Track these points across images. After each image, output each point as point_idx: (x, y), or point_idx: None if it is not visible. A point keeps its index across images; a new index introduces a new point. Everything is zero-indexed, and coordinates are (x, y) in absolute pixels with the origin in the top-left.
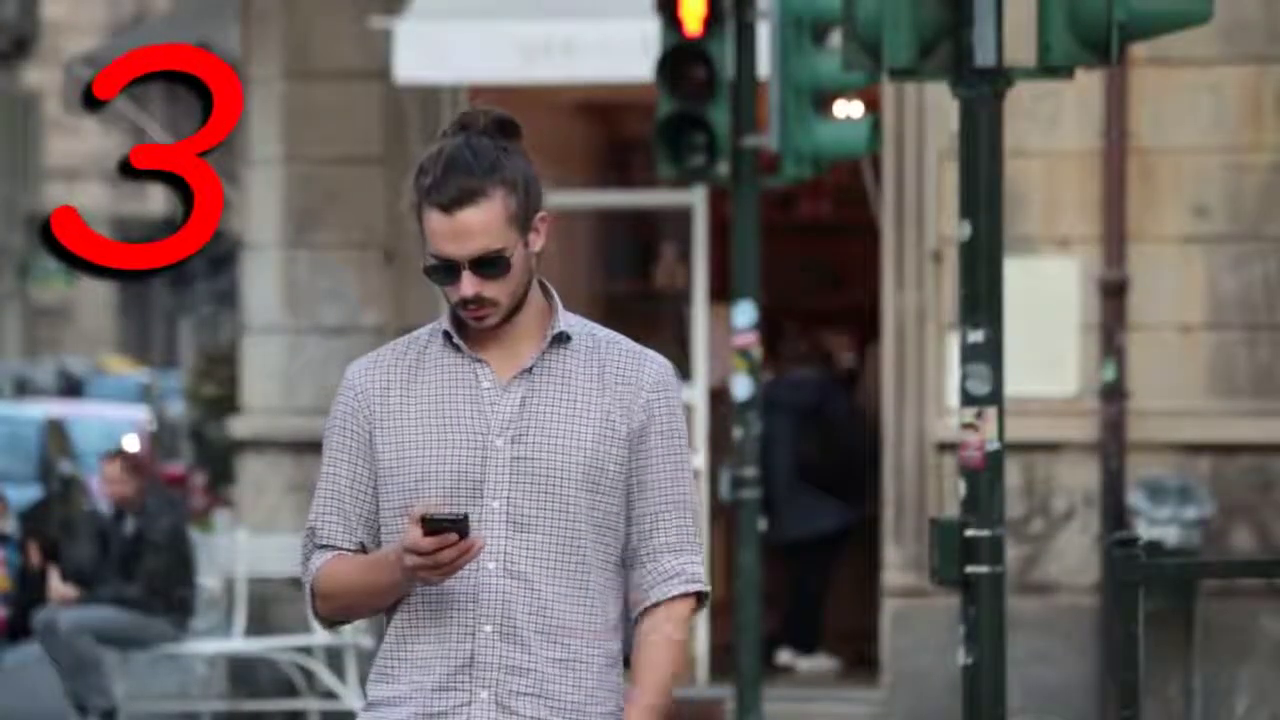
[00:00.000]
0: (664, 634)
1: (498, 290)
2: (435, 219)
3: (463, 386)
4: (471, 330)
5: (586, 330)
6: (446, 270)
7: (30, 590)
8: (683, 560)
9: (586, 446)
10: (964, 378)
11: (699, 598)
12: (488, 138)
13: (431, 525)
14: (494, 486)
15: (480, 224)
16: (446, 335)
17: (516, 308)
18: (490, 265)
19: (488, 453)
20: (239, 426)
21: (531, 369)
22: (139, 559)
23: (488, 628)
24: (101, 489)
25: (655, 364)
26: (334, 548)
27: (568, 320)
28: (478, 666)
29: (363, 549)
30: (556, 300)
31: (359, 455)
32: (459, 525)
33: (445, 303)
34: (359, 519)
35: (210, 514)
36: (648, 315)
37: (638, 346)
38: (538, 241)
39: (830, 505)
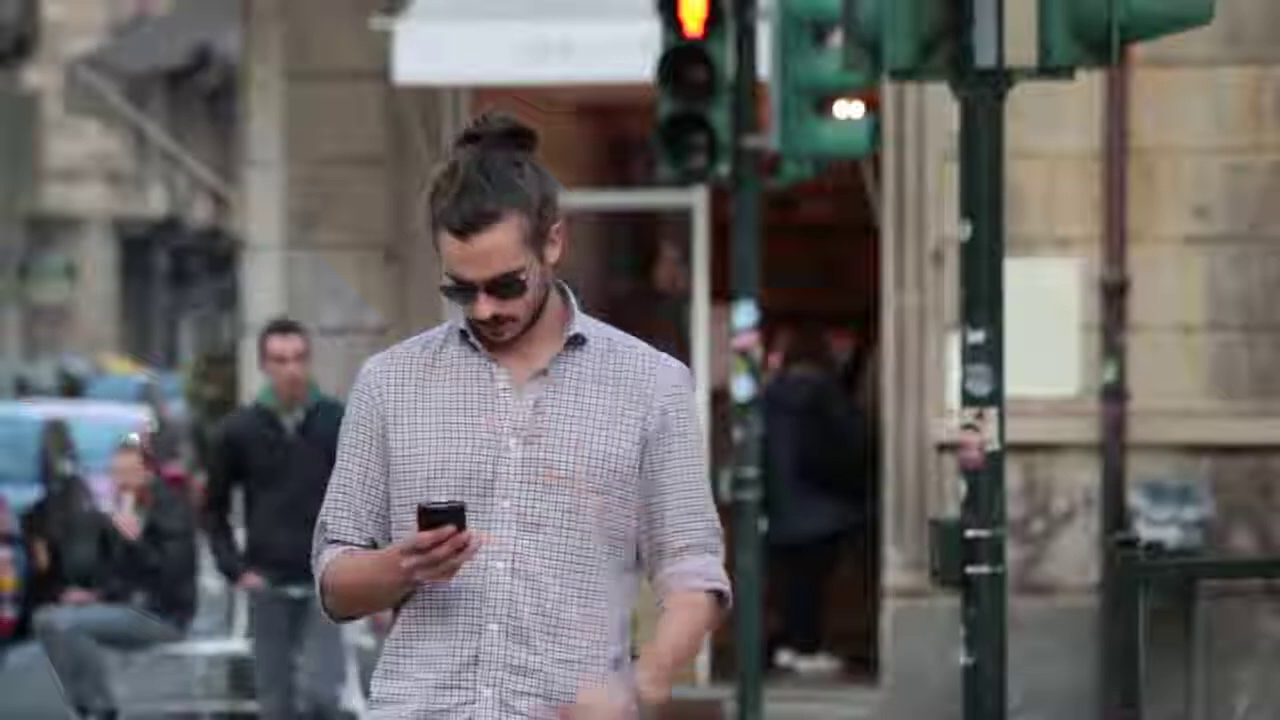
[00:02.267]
0: (685, 607)
1: (514, 308)
2: (450, 242)
3: (477, 386)
4: (485, 336)
5: (603, 334)
6: (463, 291)
7: (36, 590)
8: (704, 563)
9: (599, 449)
10: (964, 378)
11: (721, 599)
12: (501, 150)
13: (428, 517)
14: (505, 486)
15: (494, 248)
16: (463, 334)
17: (534, 318)
18: (506, 287)
19: (500, 453)
20: None
21: (547, 371)
22: (148, 552)
23: (494, 627)
24: (112, 481)
25: (671, 368)
26: (344, 543)
27: (584, 323)
28: (483, 665)
29: (373, 545)
30: (573, 303)
31: (371, 452)
32: (455, 515)
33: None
34: (370, 515)
35: None
36: (648, 316)
37: (654, 350)
38: (554, 252)
39: (830, 506)
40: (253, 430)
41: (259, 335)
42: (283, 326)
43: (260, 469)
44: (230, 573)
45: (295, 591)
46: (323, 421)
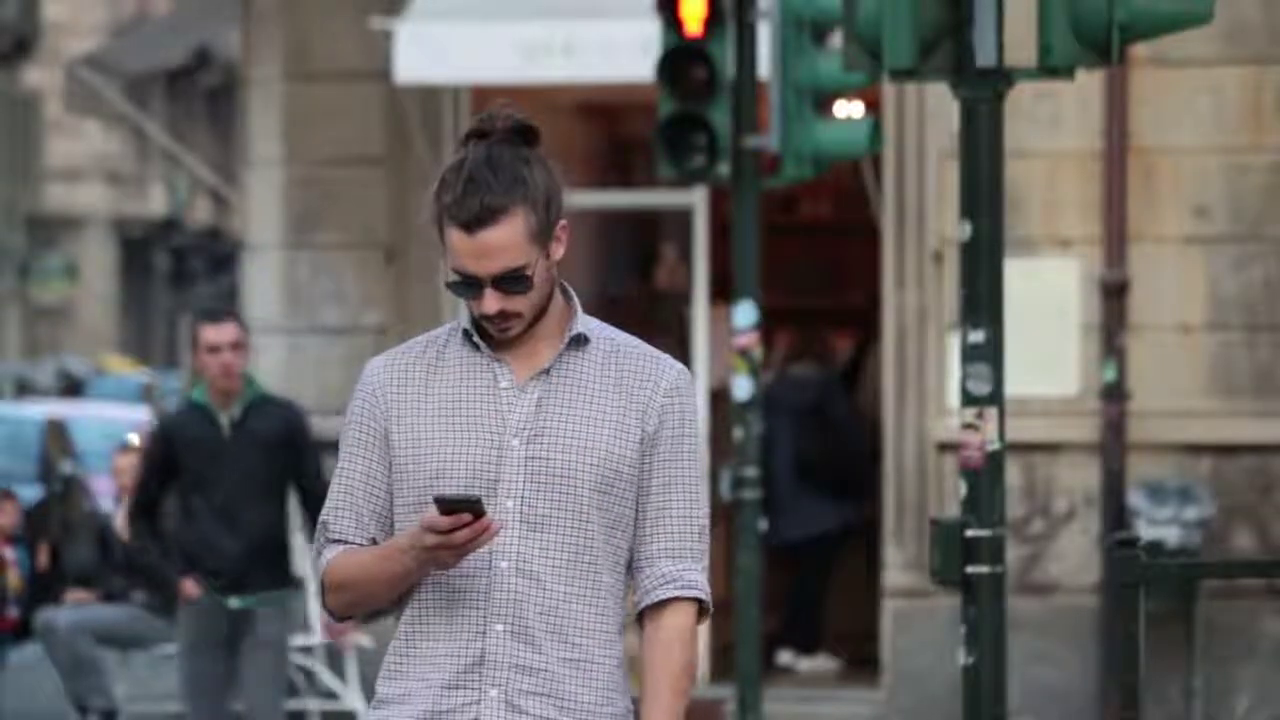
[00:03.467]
0: (662, 643)
1: (520, 304)
2: (457, 237)
3: (480, 386)
4: (490, 333)
5: (605, 334)
6: (469, 286)
7: (38, 591)
8: (680, 566)
9: (601, 448)
10: (964, 378)
11: (700, 606)
12: (508, 146)
13: (446, 506)
14: (509, 486)
15: (502, 243)
16: (466, 334)
17: (539, 315)
18: (513, 282)
19: (503, 452)
20: None
21: (549, 370)
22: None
23: (499, 626)
24: (113, 481)
25: (672, 369)
26: (345, 542)
27: (586, 323)
28: (488, 665)
29: (375, 545)
30: (576, 303)
31: (373, 451)
32: (473, 506)
33: (459, 302)
34: (371, 515)
35: None
36: (648, 315)
37: (655, 351)
38: (559, 250)
39: (830, 506)
40: (188, 428)
41: (190, 326)
42: (215, 314)
43: (194, 470)
44: (164, 582)
45: (234, 603)
46: (260, 419)
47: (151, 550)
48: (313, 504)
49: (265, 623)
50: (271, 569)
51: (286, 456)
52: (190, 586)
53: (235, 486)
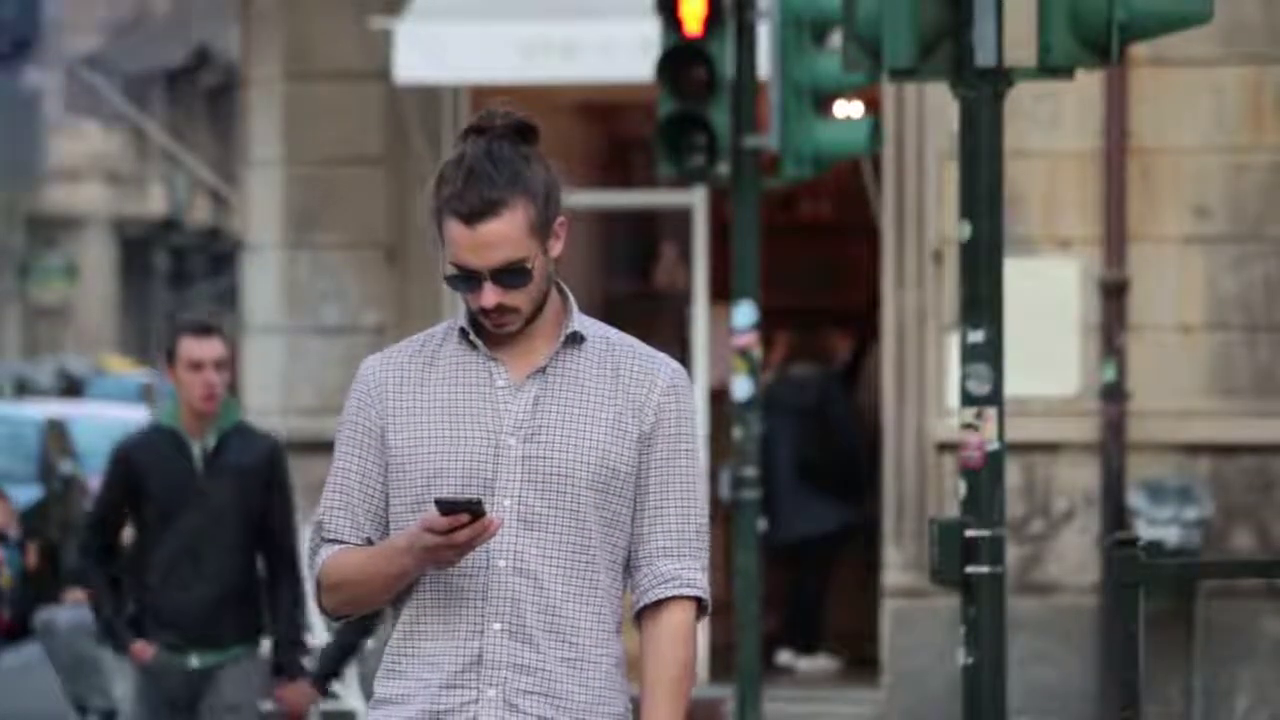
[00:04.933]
0: (661, 642)
1: (519, 299)
2: (456, 230)
3: (477, 384)
4: (488, 329)
5: (600, 332)
6: (468, 280)
7: (34, 590)
8: (680, 565)
9: (597, 447)
10: (964, 378)
11: (699, 605)
12: (507, 143)
13: (446, 508)
14: (505, 485)
15: (501, 235)
16: (462, 332)
17: (535, 313)
18: (512, 275)
19: (500, 451)
20: None
21: (545, 369)
22: None
23: (496, 625)
24: None
25: (668, 368)
26: (341, 542)
27: (582, 322)
28: (486, 664)
29: (370, 544)
30: (571, 301)
31: (369, 450)
32: (473, 508)
33: (457, 301)
34: (367, 515)
35: None
36: (648, 315)
37: (651, 350)
38: (557, 246)
39: (830, 505)
40: (154, 455)
41: (168, 336)
42: (200, 327)
43: (159, 505)
44: (115, 638)
45: (194, 661)
46: (238, 451)
47: (106, 600)
48: (278, 554)
49: (231, 684)
50: (240, 621)
51: (263, 496)
52: (142, 650)
53: (205, 526)
